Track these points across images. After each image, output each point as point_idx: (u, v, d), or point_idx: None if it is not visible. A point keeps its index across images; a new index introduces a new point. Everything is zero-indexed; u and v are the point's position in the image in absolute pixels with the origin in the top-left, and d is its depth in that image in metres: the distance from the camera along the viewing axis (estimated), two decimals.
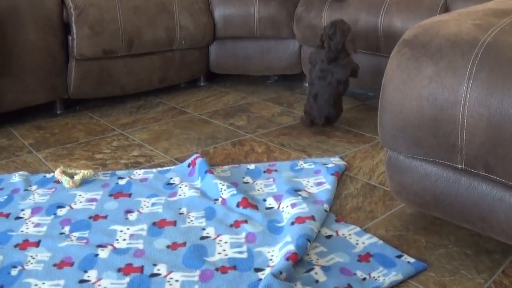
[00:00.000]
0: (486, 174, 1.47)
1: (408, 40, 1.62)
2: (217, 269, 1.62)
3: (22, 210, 2.00)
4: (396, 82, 1.61)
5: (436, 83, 1.50)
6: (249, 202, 2.00)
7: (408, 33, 1.66)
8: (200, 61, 3.74)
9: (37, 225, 1.89)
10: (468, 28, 1.53)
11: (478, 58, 1.44)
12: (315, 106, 2.79)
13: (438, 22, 1.62)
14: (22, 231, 1.85)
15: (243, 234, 1.82)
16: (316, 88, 2.79)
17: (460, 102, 1.44)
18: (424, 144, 1.58)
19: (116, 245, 1.76)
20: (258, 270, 1.62)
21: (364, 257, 1.69)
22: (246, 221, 1.88)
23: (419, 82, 1.54)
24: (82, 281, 1.57)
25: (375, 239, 1.79)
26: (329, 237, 1.81)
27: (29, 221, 1.92)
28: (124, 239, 1.80)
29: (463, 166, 1.51)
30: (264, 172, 2.32)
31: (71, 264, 1.65)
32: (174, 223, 1.90)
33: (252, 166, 2.39)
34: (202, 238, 1.80)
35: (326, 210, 1.95)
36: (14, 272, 1.61)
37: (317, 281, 1.57)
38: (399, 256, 1.69)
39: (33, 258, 1.68)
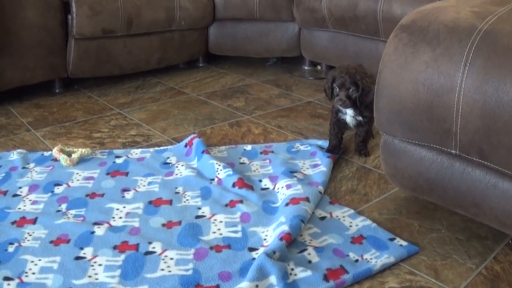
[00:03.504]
0: (480, 160, 1.48)
1: (406, 25, 1.63)
2: (211, 248, 1.64)
3: (20, 187, 2.01)
4: (392, 67, 1.61)
5: (433, 68, 1.51)
6: (245, 183, 2.02)
7: (406, 19, 1.66)
8: (199, 42, 3.74)
9: (34, 202, 1.90)
10: (466, 15, 1.53)
11: (474, 46, 1.44)
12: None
13: (437, 8, 1.63)
14: (19, 208, 1.86)
15: (238, 214, 1.83)
16: None
17: (456, 88, 1.45)
18: (419, 129, 1.59)
19: (112, 223, 1.78)
20: (252, 249, 1.64)
21: (357, 239, 1.71)
22: (241, 201, 1.90)
23: (415, 67, 1.55)
24: (78, 258, 1.59)
25: (368, 222, 1.81)
26: (323, 218, 1.83)
27: (27, 198, 1.93)
28: (120, 217, 1.81)
29: (457, 152, 1.52)
30: (261, 153, 2.34)
31: (68, 241, 1.67)
32: (170, 202, 1.91)
33: (248, 147, 2.40)
34: (198, 217, 1.82)
35: (320, 192, 1.97)
36: (11, 248, 1.63)
37: (310, 262, 1.59)
38: (392, 239, 1.71)
39: (30, 235, 1.70)
